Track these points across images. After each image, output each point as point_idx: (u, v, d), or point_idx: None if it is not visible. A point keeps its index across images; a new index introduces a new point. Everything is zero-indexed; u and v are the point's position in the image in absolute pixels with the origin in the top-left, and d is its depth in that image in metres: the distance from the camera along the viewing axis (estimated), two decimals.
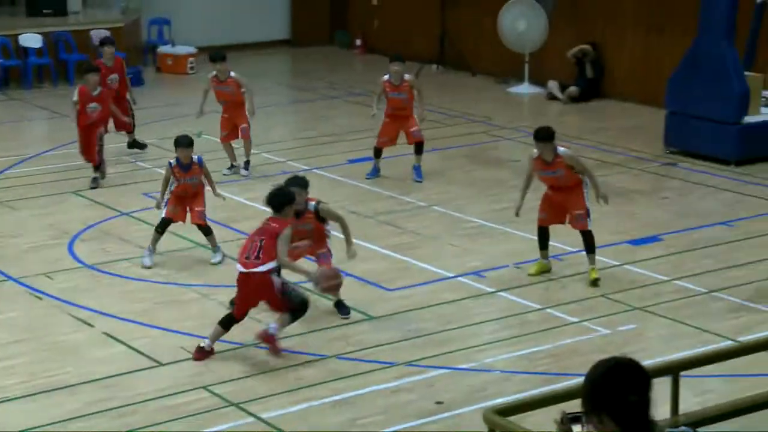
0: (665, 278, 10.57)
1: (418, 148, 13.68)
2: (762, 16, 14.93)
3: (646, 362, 7.76)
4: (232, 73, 13.70)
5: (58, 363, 8.80)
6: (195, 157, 10.92)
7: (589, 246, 10.51)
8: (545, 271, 10.67)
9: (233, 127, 13.82)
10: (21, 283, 10.43)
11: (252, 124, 13.90)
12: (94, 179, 13.40)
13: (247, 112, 13.73)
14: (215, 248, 10.98)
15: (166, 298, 10.17)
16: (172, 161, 10.93)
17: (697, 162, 14.36)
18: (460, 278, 10.61)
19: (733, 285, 10.34)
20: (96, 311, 9.78)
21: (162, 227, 10.89)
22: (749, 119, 14.30)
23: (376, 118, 13.90)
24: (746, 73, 14.48)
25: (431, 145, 15.44)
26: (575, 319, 9.65)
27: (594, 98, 18.18)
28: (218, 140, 14.15)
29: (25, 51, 19.33)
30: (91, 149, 13.27)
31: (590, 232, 10.48)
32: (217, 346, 9.03)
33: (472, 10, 20.31)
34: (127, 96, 14.61)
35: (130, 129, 14.68)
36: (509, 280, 10.54)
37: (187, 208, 10.99)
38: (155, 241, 10.88)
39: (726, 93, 14.16)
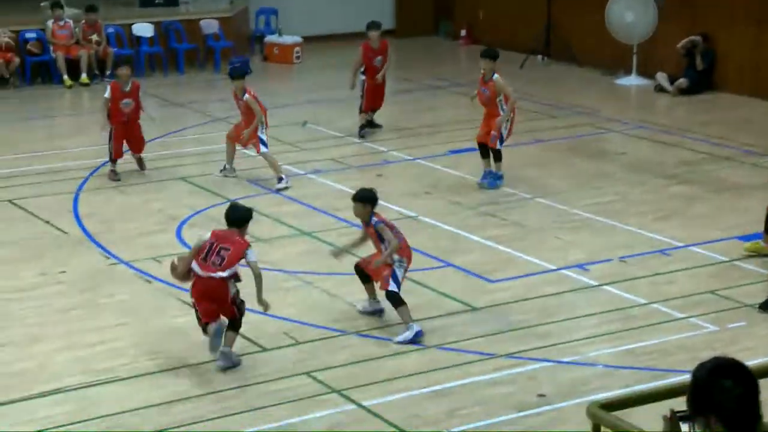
0: None
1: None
2: None
3: (756, 361, 7.63)
4: (246, 96, 13.01)
5: (163, 345, 8.98)
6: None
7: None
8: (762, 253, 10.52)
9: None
10: (131, 266, 10.68)
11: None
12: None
13: (246, 130, 13.06)
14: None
15: (270, 284, 10.27)
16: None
17: None
18: (562, 271, 10.51)
19: None
20: None
21: None
22: None
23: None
24: None
25: (537, 137, 15.32)
26: (682, 315, 9.47)
27: (704, 90, 17.80)
28: (323, 128, 14.23)
29: (138, 40, 19.75)
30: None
31: None
32: (320, 333, 9.13)
33: (579, 1, 20.05)
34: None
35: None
36: (613, 274, 10.39)
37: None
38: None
39: None
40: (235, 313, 8.57)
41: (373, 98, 15.27)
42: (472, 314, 9.61)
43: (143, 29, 19.79)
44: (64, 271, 10.56)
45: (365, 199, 9.24)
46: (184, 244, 11.27)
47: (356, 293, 10.04)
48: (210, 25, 20.23)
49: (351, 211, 11.95)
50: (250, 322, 9.40)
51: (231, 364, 8.52)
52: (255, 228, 11.49)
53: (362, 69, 15.22)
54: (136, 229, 11.76)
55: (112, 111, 13.30)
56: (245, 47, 21.14)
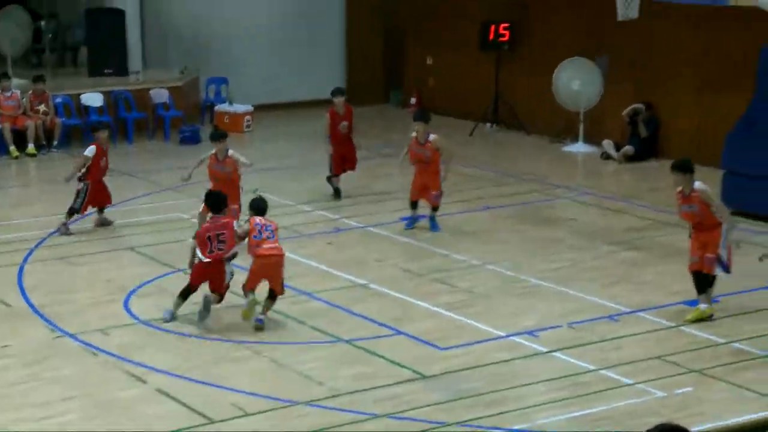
0: (722, 341, 10.41)
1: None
2: None
3: (703, 427, 7.67)
4: (230, 152, 13.34)
5: (110, 420, 8.84)
6: None
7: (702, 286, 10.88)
8: (704, 318, 10.80)
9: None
10: (77, 339, 10.53)
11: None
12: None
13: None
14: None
15: (219, 355, 10.21)
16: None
17: (756, 222, 14.16)
18: (513, 338, 10.53)
19: None
20: (150, 367, 9.84)
21: None
22: None
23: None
24: None
25: (486, 203, 15.43)
26: (630, 381, 9.51)
27: (649, 158, 18.07)
28: (273, 196, 14.20)
29: (86, 110, 19.70)
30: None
31: (714, 276, 10.87)
32: (270, 404, 9.05)
33: (527, 69, 20.36)
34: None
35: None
36: (563, 340, 10.44)
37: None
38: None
39: None
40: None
41: (341, 162, 15.59)
42: (424, 382, 9.58)
43: (92, 99, 19.75)
44: (8, 346, 10.39)
45: (250, 206, 11.09)
46: (132, 315, 11.17)
47: (307, 362, 10.00)
48: (160, 95, 20.26)
49: (302, 279, 12.02)
50: (197, 394, 9.31)
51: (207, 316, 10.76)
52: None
53: (328, 135, 15.54)
54: (84, 301, 11.63)
55: (93, 170, 13.88)
56: (196, 116, 21.17)
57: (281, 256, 10.75)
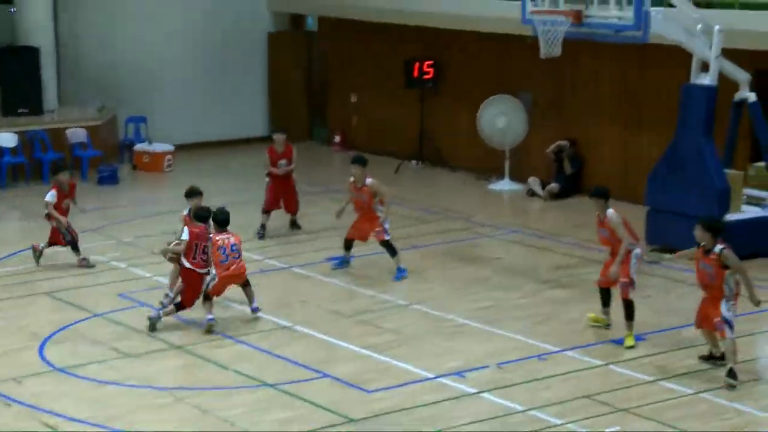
0: (650, 378, 10.38)
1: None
2: (740, 114, 14.99)
3: None
4: None
5: None
6: None
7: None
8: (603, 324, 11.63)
9: None
10: None
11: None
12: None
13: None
14: None
15: (141, 402, 9.89)
16: None
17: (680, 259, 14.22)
18: (440, 379, 10.38)
19: (718, 386, 10.15)
20: (66, 417, 9.50)
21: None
22: (731, 217, 14.23)
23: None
24: (726, 170, 14.48)
25: (412, 243, 15.31)
26: (559, 421, 9.41)
27: (574, 194, 18.14)
28: None
29: (0, 150, 19.19)
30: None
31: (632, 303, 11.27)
32: None
33: (452, 106, 20.38)
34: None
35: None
36: (491, 381, 10.32)
37: None
38: None
39: (706, 190, 14.13)
40: None
41: (275, 199, 15.42)
42: (351, 426, 9.37)
43: (5, 139, 19.24)
44: None
45: (213, 220, 11.68)
46: (47, 362, 10.79)
47: (230, 408, 9.75)
48: (77, 134, 19.83)
49: (226, 322, 11.74)
50: None
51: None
52: (126, 343, 11.13)
53: (267, 171, 15.44)
54: None
55: (58, 211, 13.93)
56: (114, 156, 20.78)
57: (244, 272, 11.73)
